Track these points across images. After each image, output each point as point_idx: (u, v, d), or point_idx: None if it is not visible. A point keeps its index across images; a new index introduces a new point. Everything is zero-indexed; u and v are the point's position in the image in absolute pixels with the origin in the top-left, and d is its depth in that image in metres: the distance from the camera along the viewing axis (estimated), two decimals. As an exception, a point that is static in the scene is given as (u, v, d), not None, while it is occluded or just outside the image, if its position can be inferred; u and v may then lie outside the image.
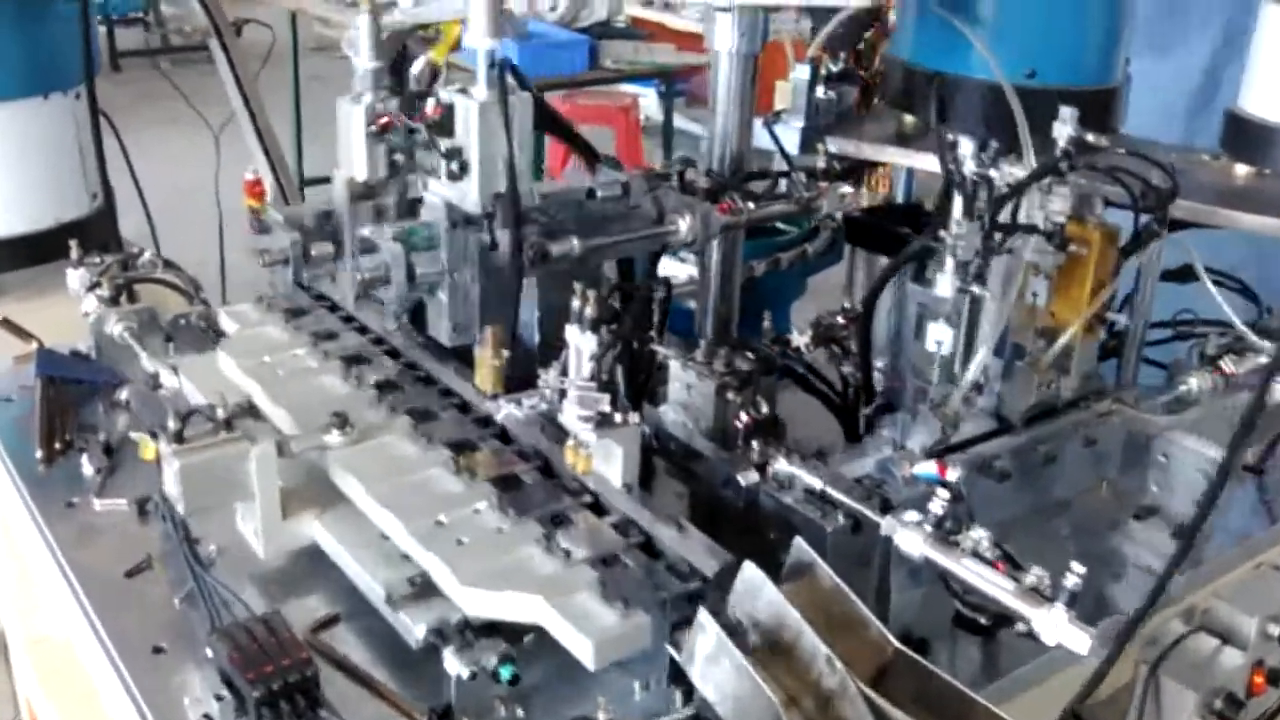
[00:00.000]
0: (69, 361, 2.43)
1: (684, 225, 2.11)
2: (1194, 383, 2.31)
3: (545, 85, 5.24)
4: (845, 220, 2.63)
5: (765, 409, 1.98)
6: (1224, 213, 2.40)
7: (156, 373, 2.34)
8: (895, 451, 1.98)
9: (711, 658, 1.57)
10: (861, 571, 1.81)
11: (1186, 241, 2.36)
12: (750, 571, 1.63)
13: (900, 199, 3.09)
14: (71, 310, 2.69)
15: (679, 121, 8.25)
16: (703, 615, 1.57)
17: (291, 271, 2.18)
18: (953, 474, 1.82)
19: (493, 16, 1.82)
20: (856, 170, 2.70)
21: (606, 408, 1.75)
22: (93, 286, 2.52)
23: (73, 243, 2.55)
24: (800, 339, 2.31)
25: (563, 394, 1.79)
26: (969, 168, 1.90)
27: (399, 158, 2.02)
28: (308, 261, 2.17)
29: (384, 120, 1.98)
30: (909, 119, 2.72)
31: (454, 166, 1.81)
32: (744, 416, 1.96)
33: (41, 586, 2.34)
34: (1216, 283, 2.43)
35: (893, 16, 2.80)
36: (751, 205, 2.17)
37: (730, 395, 1.96)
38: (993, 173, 1.89)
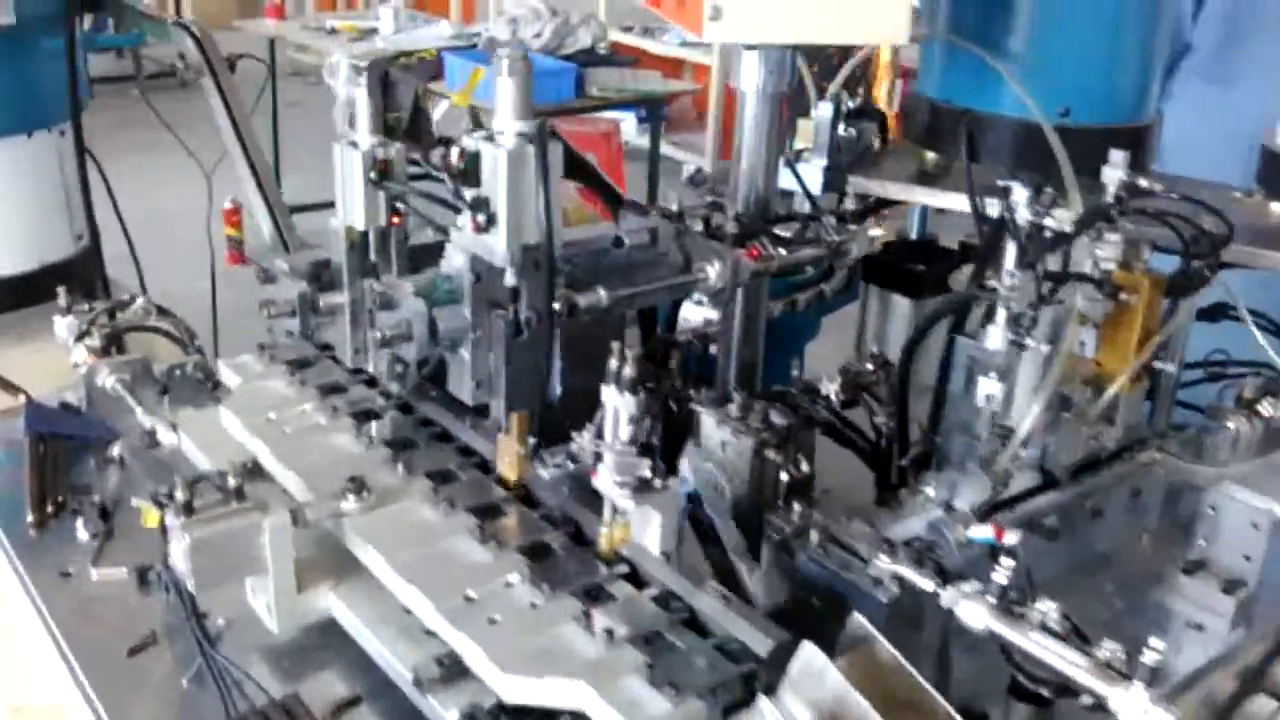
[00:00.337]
0: (59, 416, 2.30)
1: (713, 273, 2.02)
2: (1233, 426, 2.23)
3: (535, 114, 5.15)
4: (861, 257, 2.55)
5: (805, 467, 1.88)
6: (1264, 253, 2.33)
7: (154, 429, 2.22)
8: (943, 511, 1.88)
9: (771, 747, 1.47)
10: (911, 639, 1.71)
11: (1229, 282, 2.28)
12: (810, 653, 1.53)
13: (914, 235, 2.99)
14: (57, 357, 2.57)
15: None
16: (764, 704, 1.47)
17: (299, 324, 2.07)
18: (1010, 538, 1.73)
19: (521, 103, 1.72)
20: (876, 210, 2.62)
21: (646, 473, 1.65)
22: (82, 335, 2.40)
23: (61, 290, 2.43)
24: (829, 387, 2.22)
25: (598, 458, 1.69)
26: (1023, 215, 1.81)
27: (401, 205, 1.92)
28: (316, 312, 2.07)
29: (383, 165, 1.88)
30: (931, 156, 2.64)
31: (480, 218, 1.70)
32: (783, 476, 1.86)
33: (30, 656, 2.21)
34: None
35: (884, 52, 2.74)
36: (782, 251, 2.08)
37: (770, 454, 1.86)
38: (1048, 220, 1.80)
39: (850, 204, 2.36)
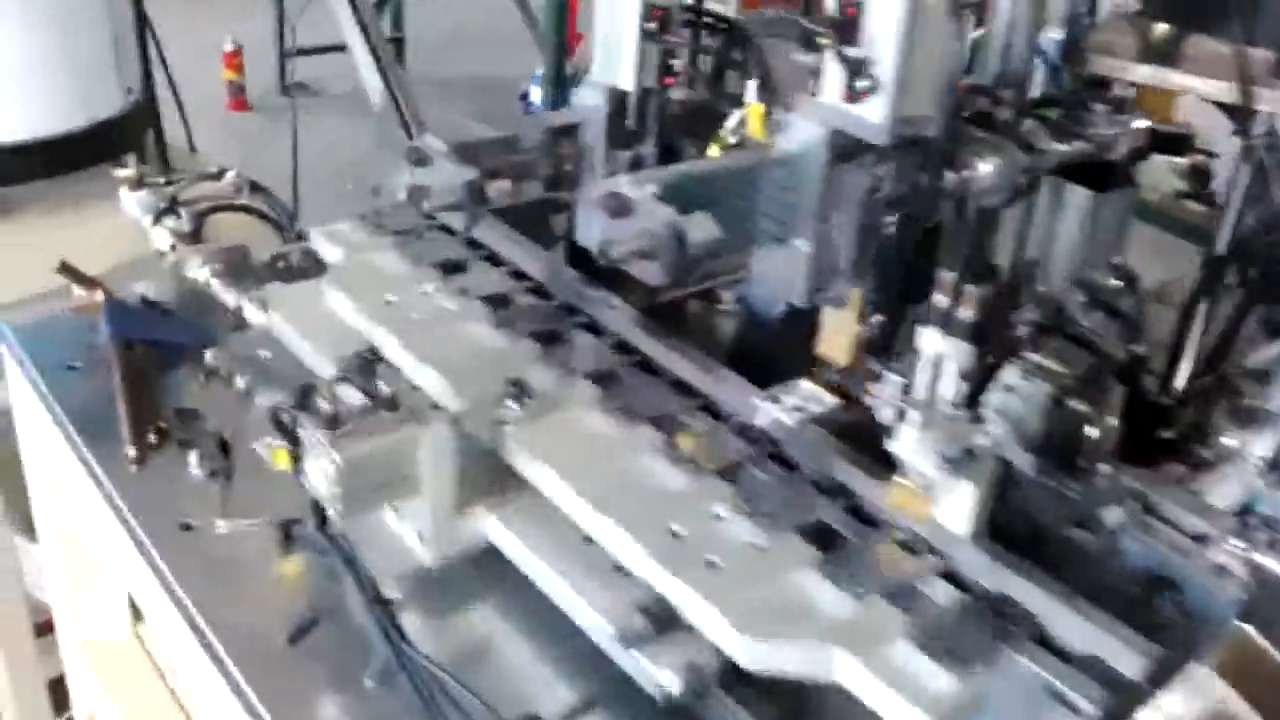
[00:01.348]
0: (146, 317, 1.90)
1: (987, 171, 1.63)
2: None
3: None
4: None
5: (1114, 420, 1.53)
6: None
7: (239, 307, 1.85)
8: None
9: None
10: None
11: None
12: (1204, 679, 1.20)
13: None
14: (112, 232, 2.16)
15: None
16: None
17: (464, 221, 1.67)
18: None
19: None
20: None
21: (982, 441, 1.29)
22: (162, 215, 1.98)
23: (130, 159, 2.00)
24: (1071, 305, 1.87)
25: (901, 415, 1.32)
26: None
27: (676, 63, 1.55)
28: (484, 203, 1.68)
29: (660, 13, 1.50)
30: (1159, 30, 2.24)
31: (860, 84, 1.31)
32: (1090, 431, 1.51)
33: (110, 597, 1.88)
34: None
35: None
36: (1061, 145, 1.69)
37: (1074, 403, 1.50)
38: None
39: (1120, 89, 1.96)
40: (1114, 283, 1.92)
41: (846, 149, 1.42)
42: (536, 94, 5.70)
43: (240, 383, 1.71)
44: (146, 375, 1.77)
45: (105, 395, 1.76)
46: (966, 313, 1.26)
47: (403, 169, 1.80)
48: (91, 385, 1.80)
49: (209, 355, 1.85)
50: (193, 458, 1.64)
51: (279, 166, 4.74)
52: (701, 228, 1.40)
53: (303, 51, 5.36)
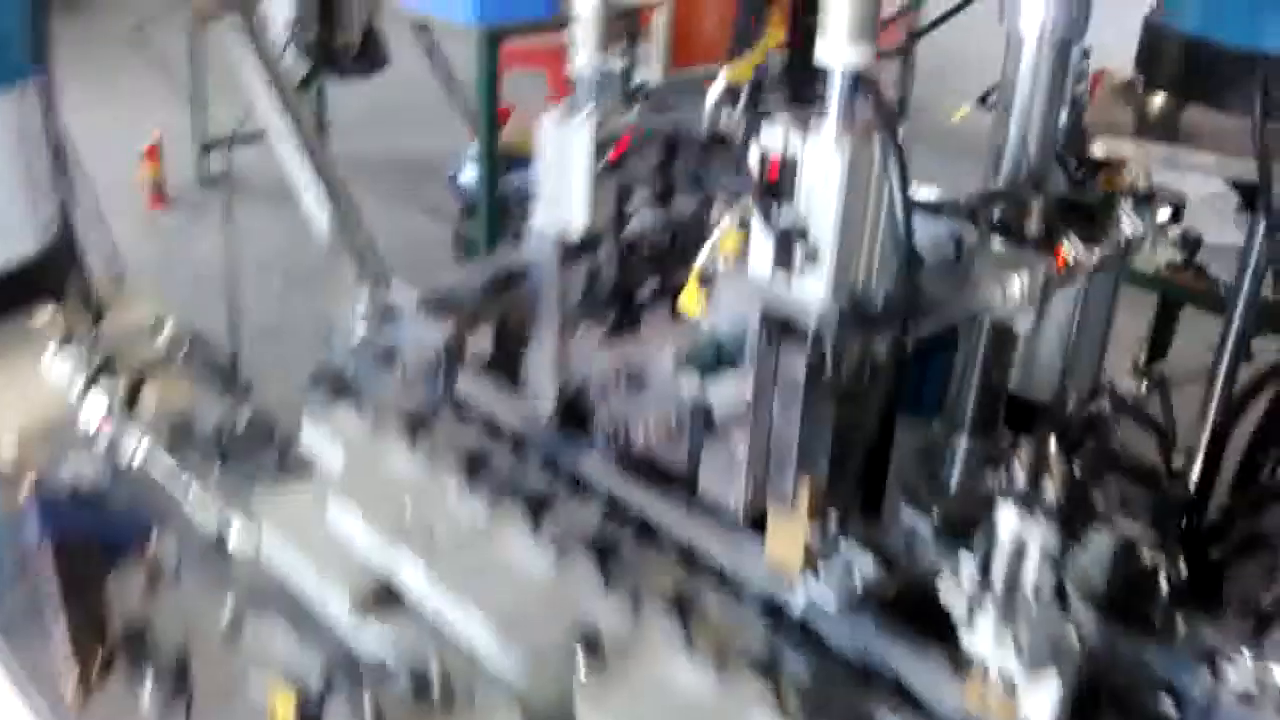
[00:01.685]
0: (79, 511, 1.66)
1: (1017, 289, 1.47)
2: None
3: (505, 31, 4.57)
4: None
5: (1183, 564, 1.37)
6: None
7: (221, 531, 1.59)
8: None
9: None
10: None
11: None
12: None
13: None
14: (18, 388, 1.93)
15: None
16: None
17: (441, 384, 1.47)
18: None
19: (865, 18, 1.12)
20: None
21: (1073, 640, 1.11)
22: (93, 380, 1.76)
23: (53, 315, 1.77)
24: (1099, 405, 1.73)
25: (975, 604, 1.14)
26: None
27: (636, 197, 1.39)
28: (461, 362, 1.49)
29: (621, 146, 1.34)
30: (1156, 104, 2.10)
31: (797, 255, 1.12)
32: (1163, 581, 1.34)
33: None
34: None
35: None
36: (1096, 252, 1.55)
37: (1147, 553, 1.34)
38: None
39: (1146, 179, 1.82)
40: (1142, 384, 1.79)
41: (784, 324, 1.22)
42: (469, 173, 5.51)
43: (225, 609, 1.46)
44: (85, 583, 1.54)
45: (37, 608, 1.53)
46: (1054, 493, 1.08)
47: (354, 307, 1.61)
48: (20, 595, 1.56)
49: (152, 549, 1.62)
50: (147, 685, 1.41)
51: (201, 264, 4.47)
52: (725, 392, 1.22)
53: (236, 139, 5.12)
